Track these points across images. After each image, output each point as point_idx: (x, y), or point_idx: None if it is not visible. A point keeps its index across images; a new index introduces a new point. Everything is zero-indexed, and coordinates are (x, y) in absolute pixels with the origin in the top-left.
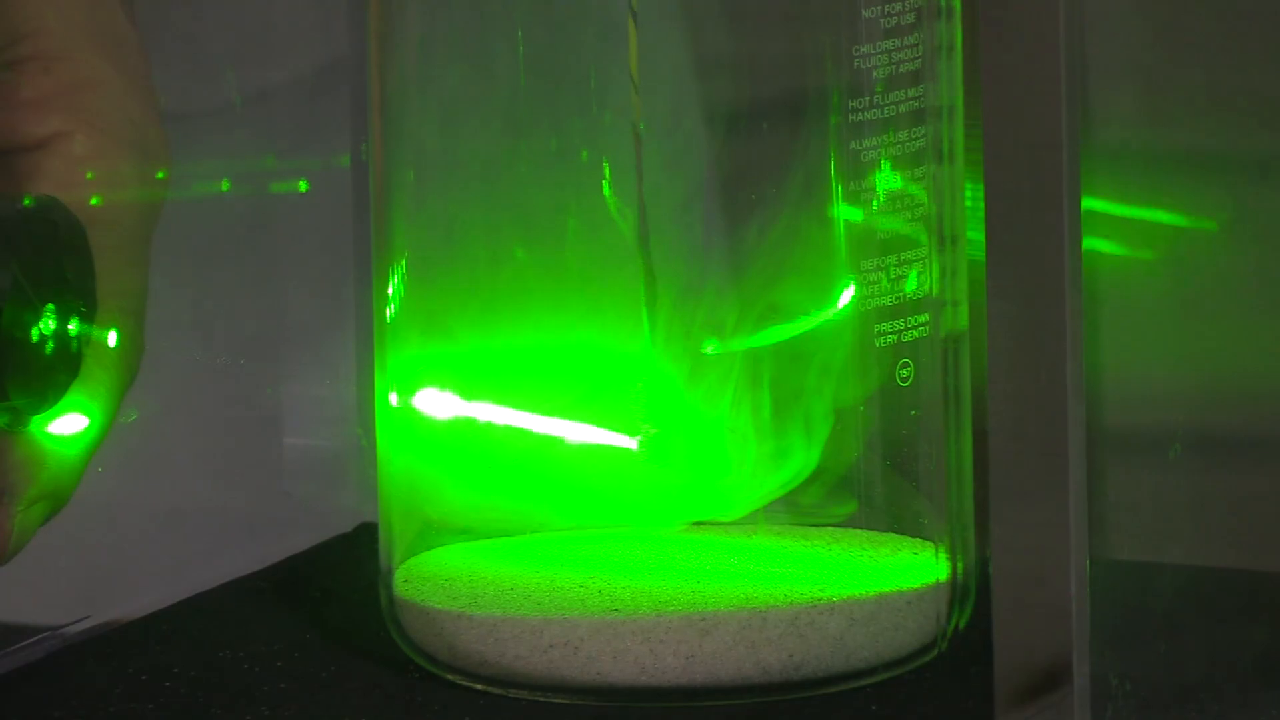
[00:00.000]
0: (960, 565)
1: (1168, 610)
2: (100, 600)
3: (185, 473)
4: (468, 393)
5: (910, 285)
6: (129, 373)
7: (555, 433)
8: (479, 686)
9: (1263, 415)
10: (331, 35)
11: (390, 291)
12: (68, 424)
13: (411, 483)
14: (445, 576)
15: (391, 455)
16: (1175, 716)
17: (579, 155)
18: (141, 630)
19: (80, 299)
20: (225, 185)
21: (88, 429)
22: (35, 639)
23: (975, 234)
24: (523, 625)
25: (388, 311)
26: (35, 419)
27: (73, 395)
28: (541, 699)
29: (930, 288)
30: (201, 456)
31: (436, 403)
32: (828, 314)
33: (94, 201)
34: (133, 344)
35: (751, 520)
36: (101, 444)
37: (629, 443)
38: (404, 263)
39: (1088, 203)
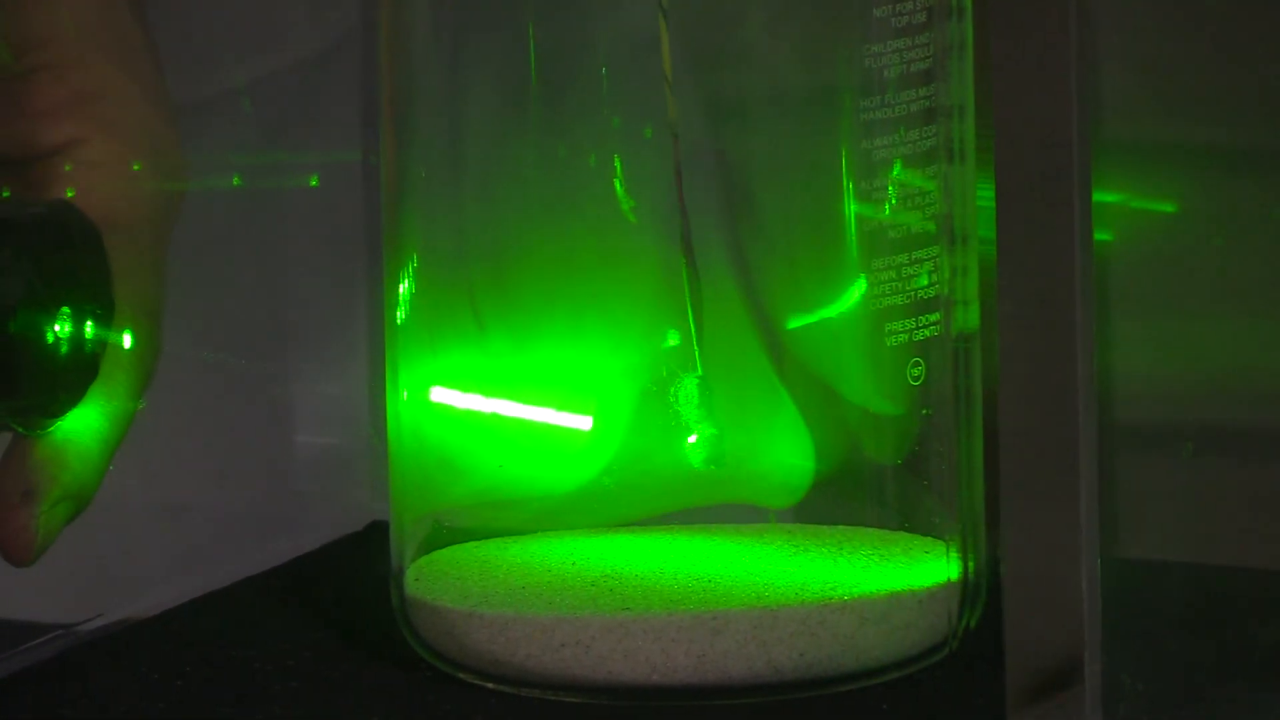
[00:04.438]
0: (971, 564)
1: (1179, 609)
2: (111, 599)
3: (196, 471)
4: (479, 391)
5: (921, 284)
6: (146, 374)
7: (568, 425)
8: (490, 685)
9: (1275, 414)
10: (342, 28)
11: (401, 292)
12: (87, 422)
13: (423, 481)
14: (456, 575)
15: (402, 454)
16: (1187, 715)
17: (588, 157)
18: (152, 629)
19: (95, 302)
20: (236, 180)
21: (107, 430)
22: (46, 637)
23: (986, 233)
24: (534, 624)
25: (399, 314)
26: (54, 421)
27: (90, 397)
28: (553, 698)
29: (941, 287)
30: (212, 455)
31: (448, 402)
32: (839, 313)
33: (109, 206)
34: (149, 346)
35: (762, 519)
36: (120, 444)
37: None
38: (414, 263)
39: (1099, 200)
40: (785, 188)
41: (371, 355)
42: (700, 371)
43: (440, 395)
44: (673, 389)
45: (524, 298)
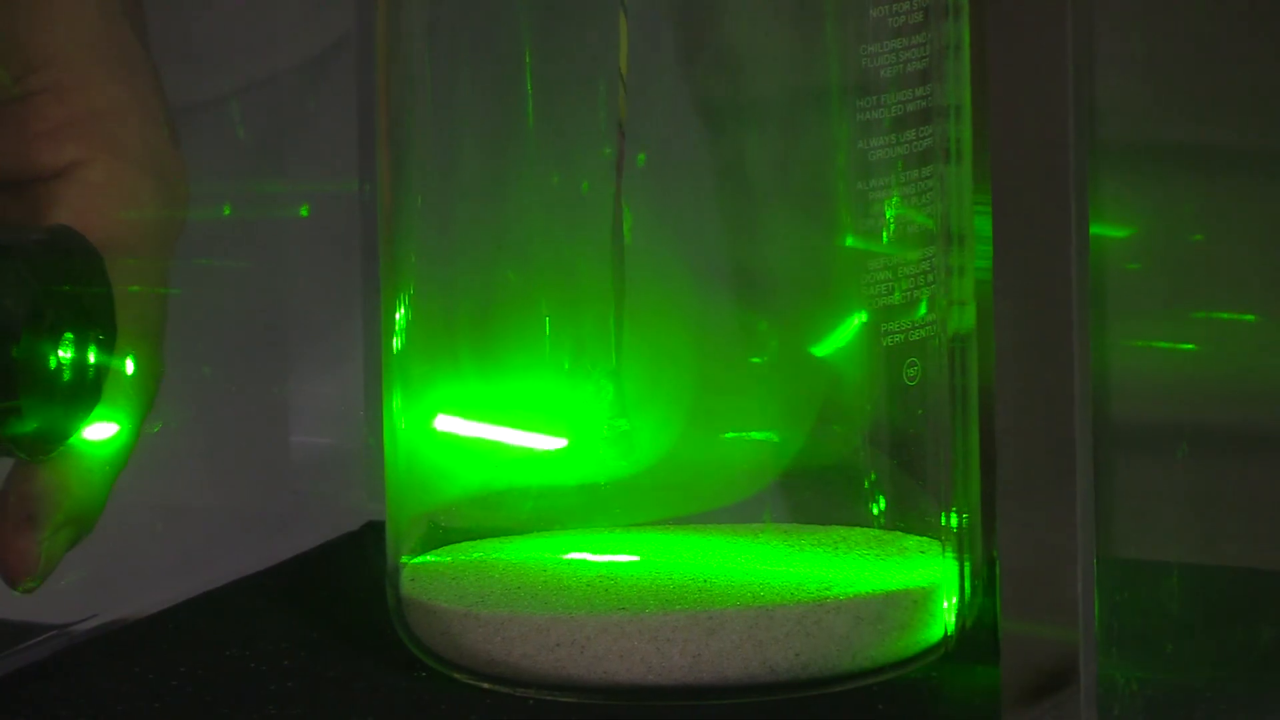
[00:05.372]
0: (967, 564)
1: (1175, 609)
2: (107, 599)
3: (192, 471)
4: (475, 414)
5: (918, 285)
6: (149, 397)
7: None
8: (486, 685)
9: (1270, 414)
10: (341, 43)
11: (398, 321)
12: (96, 435)
13: (419, 481)
14: (452, 575)
15: (398, 454)
16: (1182, 716)
17: (581, 186)
18: (148, 629)
19: (98, 326)
20: (226, 210)
21: (110, 454)
22: (42, 637)
23: (983, 233)
24: (529, 624)
25: (395, 344)
26: (56, 446)
27: (93, 421)
28: (548, 698)
29: (937, 287)
30: (209, 455)
31: (445, 425)
32: (834, 314)
33: (112, 228)
34: (151, 368)
35: (758, 519)
36: (124, 467)
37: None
38: (412, 273)
39: (1094, 202)
40: (781, 188)
41: (367, 355)
42: (614, 365)
43: (440, 422)
44: (588, 387)
45: (521, 324)
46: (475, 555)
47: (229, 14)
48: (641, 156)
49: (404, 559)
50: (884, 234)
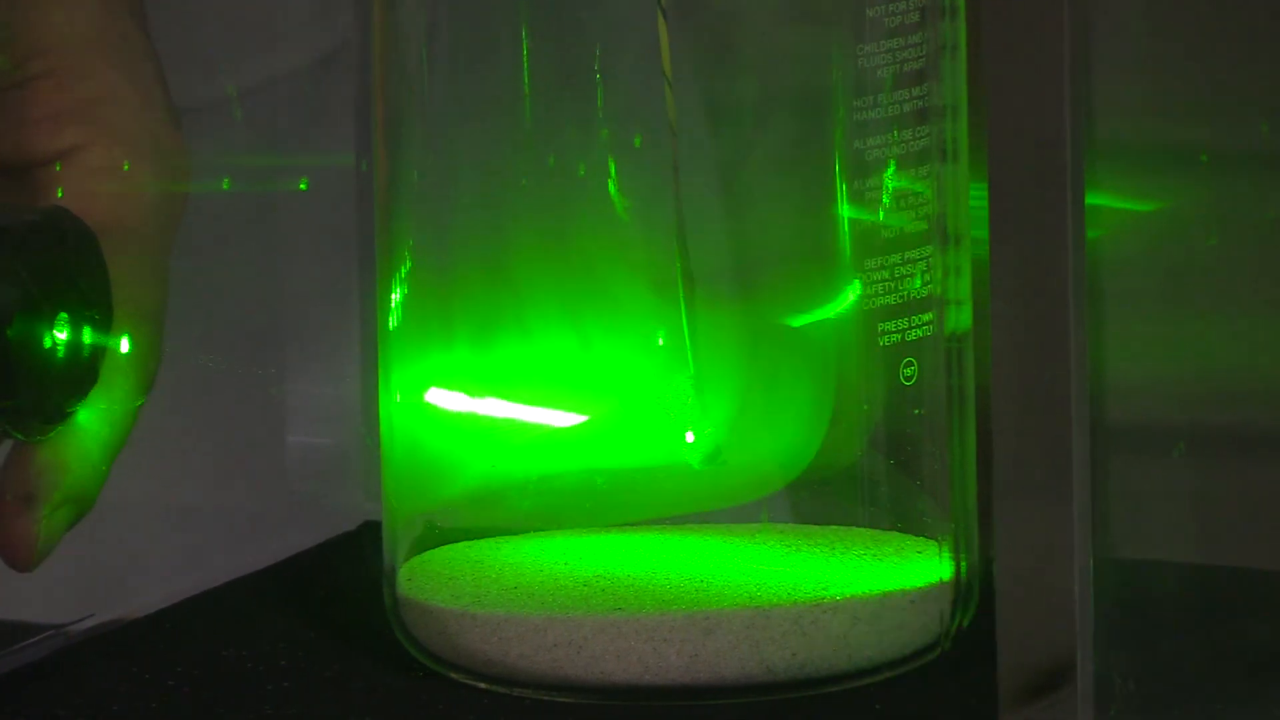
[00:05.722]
0: (964, 564)
1: (1171, 609)
2: (104, 598)
3: (189, 471)
4: (471, 393)
5: (914, 284)
6: (147, 378)
7: (559, 424)
8: (483, 685)
9: (1267, 413)
10: (338, 33)
11: (393, 294)
12: (88, 426)
13: (415, 481)
14: (449, 575)
15: (395, 454)
16: (1179, 715)
17: (580, 163)
18: (145, 628)
19: (93, 308)
20: (225, 184)
21: (108, 434)
22: (40, 637)
23: (979, 233)
24: (526, 624)
25: (390, 317)
26: (54, 426)
27: (91, 401)
28: (545, 698)
29: (934, 287)
30: (206, 455)
31: (441, 403)
32: (832, 313)
33: (112, 212)
34: (150, 351)
35: (755, 519)
36: (122, 449)
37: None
38: (407, 266)
39: (1091, 201)
40: (778, 187)
41: (364, 355)
42: (693, 370)
43: (434, 396)
44: (666, 389)
45: (517, 301)
46: (472, 555)
47: (228, 15)
48: (638, 139)
49: (400, 559)
50: (880, 234)
